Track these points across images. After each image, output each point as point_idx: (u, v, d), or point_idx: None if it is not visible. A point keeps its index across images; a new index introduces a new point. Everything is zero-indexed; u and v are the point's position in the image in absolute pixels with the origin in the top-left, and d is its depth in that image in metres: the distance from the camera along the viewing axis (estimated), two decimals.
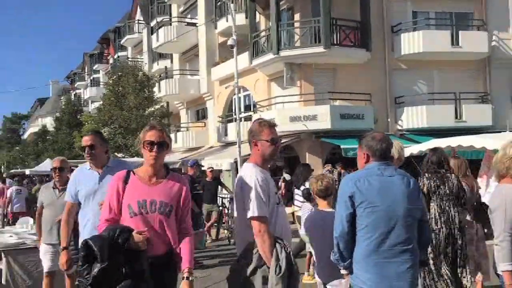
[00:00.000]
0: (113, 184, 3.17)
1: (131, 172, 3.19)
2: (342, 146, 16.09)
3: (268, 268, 3.06)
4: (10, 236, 7.04)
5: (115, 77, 23.78)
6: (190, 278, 3.06)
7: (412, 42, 18.40)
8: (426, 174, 5.18)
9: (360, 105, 17.99)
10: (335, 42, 17.58)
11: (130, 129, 21.54)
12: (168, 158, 23.11)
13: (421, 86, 19.25)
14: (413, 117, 18.39)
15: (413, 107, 18.42)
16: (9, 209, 13.59)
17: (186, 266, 3.10)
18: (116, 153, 23.68)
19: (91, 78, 46.81)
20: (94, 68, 45.81)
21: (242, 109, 19.47)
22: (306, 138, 17.83)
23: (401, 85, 18.96)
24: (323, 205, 4.05)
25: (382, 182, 3.05)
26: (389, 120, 18.77)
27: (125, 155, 21.30)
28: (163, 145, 3.14)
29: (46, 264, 5.56)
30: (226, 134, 21.55)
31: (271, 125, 3.39)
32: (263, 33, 19.48)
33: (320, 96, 18.02)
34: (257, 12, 20.05)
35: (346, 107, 17.64)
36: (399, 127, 18.66)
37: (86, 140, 4.20)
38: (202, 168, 11.98)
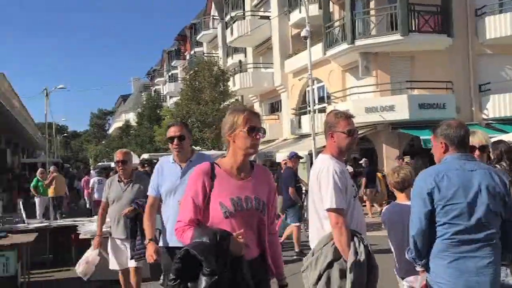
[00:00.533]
0: (196, 178, 2.64)
1: (215, 165, 2.69)
2: (421, 137, 15.47)
3: (345, 261, 3.01)
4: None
5: (191, 72, 24.51)
6: (285, 283, 2.85)
7: (498, 26, 17.22)
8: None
9: (440, 94, 17.17)
10: (413, 29, 16.89)
11: (207, 123, 22.12)
12: None
13: (509, 72, 17.97)
14: (500, 105, 17.27)
15: (500, 95, 17.29)
16: (92, 199, 14.54)
17: (281, 270, 2.85)
18: (193, 147, 24.47)
19: (169, 74, 48.58)
20: (172, 64, 47.49)
21: (316, 101, 19.32)
22: (383, 130, 17.35)
23: (486, 72, 17.84)
24: (401, 198, 3.92)
25: (463, 177, 2.86)
26: (473, 109, 17.76)
27: (202, 149, 21.93)
28: (263, 134, 2.73)
29: (113, 261, 5.50)
30: (300, 127, 21.49)
31: (347, 116, 3.30)
32: (337, 23, 19.14)
33: (397, 86, 17.45)
34: (330, 2, 19.73)
35: (425, 96, 16.93)
36: (485, 116, 17.61)
37: (174, 131, 3.87)
38: (276, 161, 12.00)
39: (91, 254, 5.57)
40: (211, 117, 22.15)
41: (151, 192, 4.05)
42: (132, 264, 5.24)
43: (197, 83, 23.53)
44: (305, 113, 20.82)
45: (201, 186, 2.61)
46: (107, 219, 5.62)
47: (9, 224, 8.03)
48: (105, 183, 6.34)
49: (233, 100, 24.03)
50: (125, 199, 5.30)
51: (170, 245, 3.74)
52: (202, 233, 2.43)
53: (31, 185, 14.10)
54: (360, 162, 16.07)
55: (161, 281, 4.47)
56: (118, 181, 5.44)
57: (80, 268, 5.57)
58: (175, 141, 3.85)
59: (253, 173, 2.73)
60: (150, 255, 4.00)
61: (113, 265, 5.51)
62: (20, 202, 9.53)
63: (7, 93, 16.83)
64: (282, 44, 23.84)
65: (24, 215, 8.61)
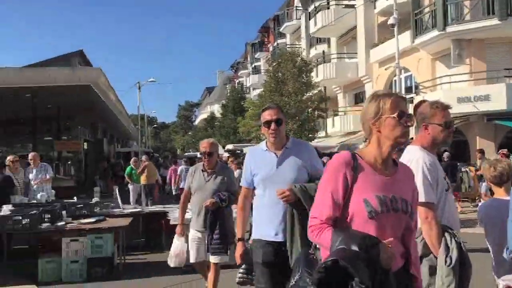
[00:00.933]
0: (337, 169, 2.24)
1: (357, 156, 2.29)
2: None
3: (436, 258, 2.89)
4: (187, 211, 7.85)
5: (274, 64, 24.62)
6: None
7: None
8: None
9: None
10: None
11: (290, 114, 22.15)
12: (324, 143, 23.17)
13: None
14: None
15: None
16: (180, 186, 15.19)
17: (420, 279, 2.44)
18: None
19: (253, 66, 49.21)
20: (255, 56, 48.06)
21: (403, 91, 18.59)
22: (476, 121, 16.32)
23: None
24: (499, 192, 3.67)
25: None
26: None
27: None
28: (412, 121, 2.35)
29: (192, 253, 5.27)
30: None
31: (444, 107, 3.12)
32: (427, 9, 18.24)
33: (494, 74, 16.29)
34: None
35: None
36: None
37: (270, 114, 3.47)
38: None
39: (178, 246, 5.47)
40: (294, 108, 22.14)
41: (243, 183, 3.70)
42: (212, 259, 5.04)
43: (280, 74, 23.59)
44: None
45: (342, 178, 2.21)
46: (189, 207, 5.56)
47: (106, 209, 8.63)
48: None
49: (316, 91, 23.84)
50: (208, 190, 5.10)
51: (265, 238, 3.46)
52: (346, 237, 2.05)
53: (125, 172, 15.02)
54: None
55: (240, 275, 3.94)
56: (202, 170, 5.22)
57: (173, 261, 5.54)
58: (272, 125, 3.45)
59: (397, 169, 2.34)
60: (238, 256, 3.68)
61: (191, 256, 5.30)
62: (116, 189, 10.20)
63: (104, 87, 17.98)
64: (367, 33, 23.20)
65: (120, 201, 9.21)
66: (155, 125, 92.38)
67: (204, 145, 5.21)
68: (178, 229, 5.50)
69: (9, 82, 14.90)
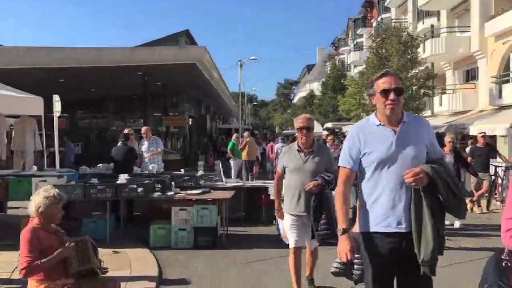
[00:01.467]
0: None
1: None
2: None
3: None
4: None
5: (378, 40, 23.69)
6: None
7: None
8: None
9: None
10: None
11: None
12: (432, 122, 21.99)
13: None
14: None
15: None
16: (275, 163, 15.39)
17: None
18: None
19: (355, 42, 47.86)
20: (357, 32, 46.64)
21: None
22: None
23: None
24: None
25: None
26: None
27: None
28: None
29: (291, 239, 4.84)
30: (500, 96, 19.20)
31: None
32: None
33: None
34: None
35: None
36: None
37: (389, 82, 2.99)
38: (470, 134, 10.90)
39: (283, 227, 5.19)
40: None
41: (345, 163, 3.09)
42: (312, 244, 4.83)
43: (383, 50, 22.67)
44: (507, 81, 18.49)
45: None
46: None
47: (210, 182, 9.05)
48: None
49: (422, 68, 22.60)
50: (307, 172, 4.68)
51: (383, 230, 2.96)
52: None
53: (228, 148, 15.56)
54: None
55: (336, 264, 3.69)
56: (298, 150, 4.78)
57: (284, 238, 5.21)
58: (391, 95, 2.95)
59: None
60: (344, 251, 2.98)
61: (291, 242, 4.85)
62: (219, 163, 10.61)
63: (208, 65, 18.65)
64: (482, 4, 21.34)
65: (222, 175, 9.59)
66: (254, 103, 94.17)
67: (300, 120, 4.76)
68: (278, 214, 5.16)
69: (123, 61, 16.04)
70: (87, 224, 7.40)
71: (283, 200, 5.03)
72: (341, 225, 3.03)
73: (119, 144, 9.23)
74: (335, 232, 4.11)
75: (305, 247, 4.98)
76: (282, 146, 14.87)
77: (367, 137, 3.05)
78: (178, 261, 6.43)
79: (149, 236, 7.19)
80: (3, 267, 5.84)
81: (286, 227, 4.90)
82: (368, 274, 3.03)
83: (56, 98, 9.47)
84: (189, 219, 7.12)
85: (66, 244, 3.55)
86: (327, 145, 11.08)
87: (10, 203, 8.60)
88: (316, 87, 54.96)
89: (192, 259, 6.53)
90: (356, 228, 3.72)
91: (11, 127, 10.60)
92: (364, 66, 26.15)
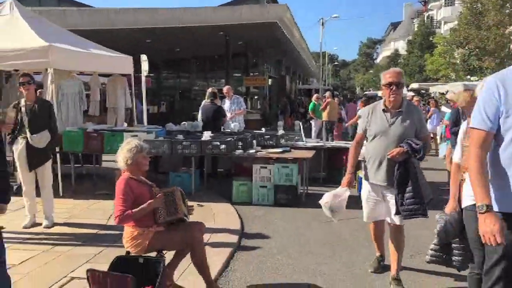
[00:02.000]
0: None
1: None
2: None
3: None
4: None
5: None
6: None
7: None
8: None
9: None
10: None
11: (487, 50, 19.79)
12: None
13: None
14: None
15: None
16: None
17: None
18: (469, 76, 22.40)
19: None
20: None
21: None
22: None
23: None
24: None
25: None
26: None
27: (480, 79, 19.90)
28: None
29: (364, 211, 4.36)
30: None
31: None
32: None
33: None
34: None
35: None
36: None
37: None
38: None
39: (334, 195, 4.32)
40: (493, 43, 19.65)
41: (480, 125, 2.47)
42: (396, 220, 4.13)
43: (479, 5, 21.00)
44: None
45: None
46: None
47: (291, 141, 9.09)
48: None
49: None
50: (392, 136, 4.01)
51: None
52: None
53: (309, 108, 15.47)
54: None
55: (432, 252, 3.45)
56: (383, 110, 4.11)
57: (325, 199, 4.35)
58: None
59: None
60: (492, 233, 2.32)
61: (365, 215, 4.41)
62: (300, 123, 10.60)
63: (288, 23, 18.38)
64: None
65: (303, 135, 9.58)
66: (335, 63, 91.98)
67: (389, 74, 4.06)
68: (346, 178, 4.32)
69: (205, 21, 16.26)
70: (173, 178, 7.79)
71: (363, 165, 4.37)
72: (482, 200, 2.38)
73: (207, 102, 9.48)
74: (423, 207, 3.88)
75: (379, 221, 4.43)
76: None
77: (509, 90, 2.41)
78: (258, 217, 6.62)
79: (231, 191, 7.44)
80: (100, 214, 6.35)
81: (363, 196, 4.35)
82: (496, 266, 2.45)
83: (143, 57, 9.86)
84: (270, 177, 7.25)
85: (156, 196, 3.76)
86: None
87: (104, 157, 9.27)
88: (401, 45, 52.47)
89: (272, 215, 6.68)
90: (451, 208, 3.50)
91: (103, 85, 11.23)
92: (456, 22, 24.42)
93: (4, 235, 5.39)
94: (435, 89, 21.94)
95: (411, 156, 3.90)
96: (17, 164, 5.90)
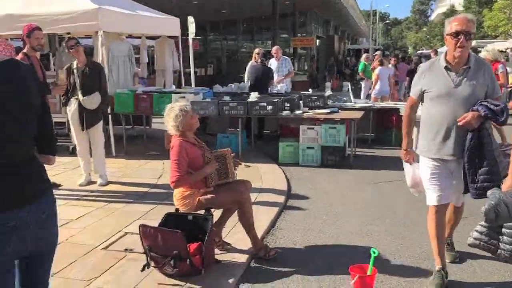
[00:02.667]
0: None
1: None
2: None
3: None
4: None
5: None
6: None
7: None
8: None
9: None
10: None
11: None
12: None
13: None
14: None
15: None
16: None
17: None
18: None
19: None
20: None
21: None
22: None
23: None
24: None
25: None
26: None
27: None
28: None
29: (432, 194, 3.43)
30: None
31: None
32: None
33: None
34: None
35: None
36: None
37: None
38: None
39: (410, 171, 3.77)
40: None
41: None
42: (461, 199, 3.64)
43: None
44: None
45: None
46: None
47: (338, 102, 8.93)
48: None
49: None
50: (459, 98, 3.24)
51: None
52: None
53: (359, 68, 15.07)
54: None
55: (477, 234, 2.93)
56: (446, 68, 3.31)
57: (413, 192, 3.91)
58: None
59: None
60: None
61: (429, 197, 3.48)
62: (349, 84, 10.35)
63: None
64: None
65: (351, 95, 9.38)
66: (386, 21, 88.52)
67: (457, 21, 3.24)
68: (404, 154, 3.71)
69: None
70: (221, 140, 7.88)
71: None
72: None
73: (254, 63, 9.42)
74: (498, 185, 3.07)
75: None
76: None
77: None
78: (305, 178, 6.61)
79: (278, 153, 7.45)
80: (151, 173, 6.55)
81: (424, 175, 3.50)
82: None
83: (190, 19, 9.84)
84: (317, 138, 7.18)
85: (210, 162, 3.81)
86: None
87: (154, 119, 9.48)
88: (457, 1, 49.63)
89: (319, 176, 6.66)
90: (509, 185, 2.82)
91: (151, 48, 11.37)
92: None
93: (62, 192, 5.71)
94: (495, 46, 20.74)
95: (486, 122, 3.22)
96: (71, 124, 6.14)
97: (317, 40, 28.21)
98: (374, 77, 11.63)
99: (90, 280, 3.39)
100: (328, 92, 9.34)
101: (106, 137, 7.97)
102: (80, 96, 5.83)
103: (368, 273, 3.29)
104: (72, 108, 5.93)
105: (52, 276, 3.42)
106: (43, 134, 1.98)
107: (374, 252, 3.30)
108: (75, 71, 5.87)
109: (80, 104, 5.85)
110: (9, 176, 1.81)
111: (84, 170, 6.10)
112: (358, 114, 7.68)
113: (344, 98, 9.25)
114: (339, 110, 7.93)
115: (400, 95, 14.94)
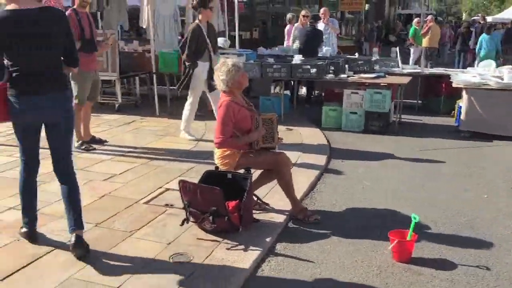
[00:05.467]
0: None
1: None
2: None
3: None
4: (474, 76, 7.23)
5: None
6: None
7: None
8: None
9: None
10: None
11: None
12: None
13: None
14: None
15: None
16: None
17: None
18: None
19: None
20: None
21: None
22: None
23: None
24: None
25: None
26: None
27: None
28: None
29: None
30: None
31: None
32: None
33: None
34: None
35: None
36: None
37: None
38: None
39: None
40: None
41: None
42: None
43: None
44: None
45: None
46: None
47: (386, 67, 8.63)
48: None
49: None
50: None
51: None
52: None
53: (409, 34, 14.51)
54: None
55: None
56: None
57: None
58: None
59: None
60: None
61: None
62: (397, 49, 9.97)
63: None
64: None
65: (399, 61, 9.04)
66: None
67: None
68: None
69: None
70: (264, 102, 7.82)
71: None
72: None
73: (302, 26, 9.20)
74: None
75: None
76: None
77: None
78: (347, 143, 6.50)
79: (320, 117, 7.34)
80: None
81: None
82: None
83: None
84: (361, 103, 7.00)
85: (258, 128, 3.76)
86: None
87: None
88: None
89: (361, 141, 6.53)
90: None
91: None
92: None
93: (107, 148, 5.87)
94: None
95: None
96: (199, 83, 6.22)
97: (366, 4, 27.20)
98: None
99: (131, 231, 3.50)
100: (375, 57, 9.04)
101: (151, 97, 8.12)
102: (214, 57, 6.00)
103: (408, 238, 3.22)
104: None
105: (95, 225, 3.56)
106: (68, 56, 3.14)
107: (415, 218, 3.23)
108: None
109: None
110: (38, 77, 2.98)
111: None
112: (405, 80, 7.41)
113: (392, 64, 8.93)
114: (386, 75, 7.68)
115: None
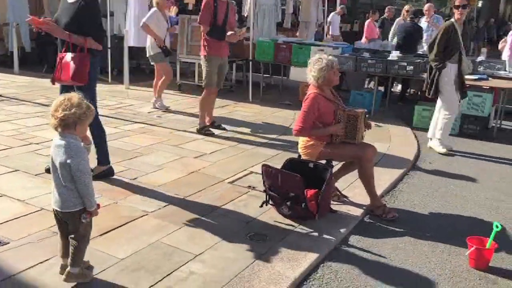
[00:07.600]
0: None
1: None
2: None
3: None
4: None
5: None
6: None
7: None
8: None
9: None
10: None
11: None
12: None
13: None
14: None
15: None
16: None
17: None
18: None
19: None
20: None
21: None
22: None
23: None
24: None
25: None
26: None
27: None
28: None
29: None
30: None
31: None
32: None
33: None
34: None
35: None
36: None
37: None
38: None
39: None
40: None
41: None
42: None
43: None
44: None
45: None
46: None
47: (491, 69, 8.14)
48: None
49: None
50: None
51: None
52: None
53: None
54: None
55: None
56: None
57: None
58: None
59: None
60: None
61: None
62: (509, 51, 9.34)
63: None
64: None
65: (507, 64, 8.48)
66: None
67: None
68: None
69: None
70: (355, 96, 7.79)
71: None
72: None
73: (401, 21, 8.99)
74: None
75: None
76: None
77: None
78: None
79: (412, 116, 7.16)
80: (282, 121, 6.79)
81: None
82: None
83: None
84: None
85: (338, 123, 3.82)
86: None
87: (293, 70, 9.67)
88: None
89: (455, 144, 6.26)
90: None
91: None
92: None
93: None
94: None
95: None
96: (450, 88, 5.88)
97: (480, 2, 25.48)
98: None
99: (215, 207, 3.76)
100: (480, 58, 8.55)
101: (245, 83, 8.42)
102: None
103: (487, 246, 3.14)
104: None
105: (183, 198, 3.88)
106: (90, 30, 3.85)
107: (497, 227, 3.13)
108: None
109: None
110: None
111: None
112: (510, 84, 6.97)
113: (498, 66, 8.40)
114: (489, 78, 7.27)
115: None
